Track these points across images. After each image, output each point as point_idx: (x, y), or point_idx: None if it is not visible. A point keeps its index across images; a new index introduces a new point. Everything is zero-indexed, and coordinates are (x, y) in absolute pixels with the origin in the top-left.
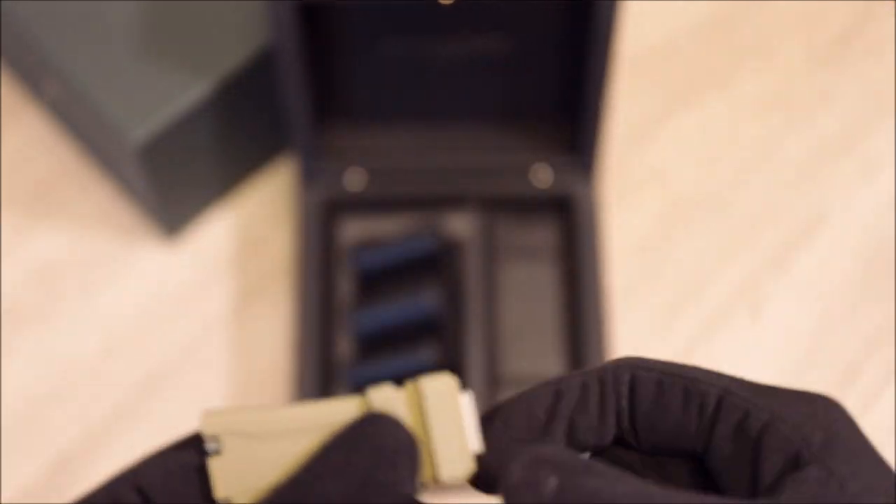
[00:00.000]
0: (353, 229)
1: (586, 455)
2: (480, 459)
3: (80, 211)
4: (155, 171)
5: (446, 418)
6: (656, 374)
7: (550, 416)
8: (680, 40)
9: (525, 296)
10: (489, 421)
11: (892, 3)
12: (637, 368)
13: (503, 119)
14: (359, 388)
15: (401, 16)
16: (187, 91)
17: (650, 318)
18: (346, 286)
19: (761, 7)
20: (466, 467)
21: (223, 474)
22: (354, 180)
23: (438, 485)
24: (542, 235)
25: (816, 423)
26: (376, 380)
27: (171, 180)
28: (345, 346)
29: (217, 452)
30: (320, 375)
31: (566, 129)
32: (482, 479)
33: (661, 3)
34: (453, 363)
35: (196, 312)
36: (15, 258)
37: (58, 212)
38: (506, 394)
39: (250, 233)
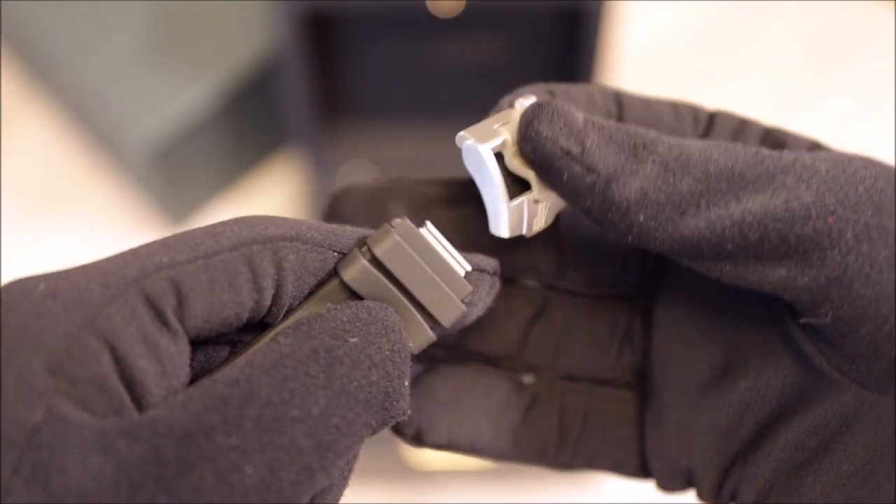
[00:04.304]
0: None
1: None
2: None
3: (86, 208)
4: (160, 168)
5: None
6: (640, 96)
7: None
8: (677, 42)
9: None
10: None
11: (892, 4)
12: (619, 90)
13: None
14: None
15: (402, 23)
16: (193, 90)
17: None
18: None
19: (759, 9)
20: (461, 302)
21: None
22: (360, 173)
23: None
24: None
25: (805, 138)
26: None
27: (177, 177)
28: None
29: None
30: None
31: None
32: None
33: (659, 6)
34: None
35: None
36: (21, 255)
37: (63, 209)
38: None
39: None
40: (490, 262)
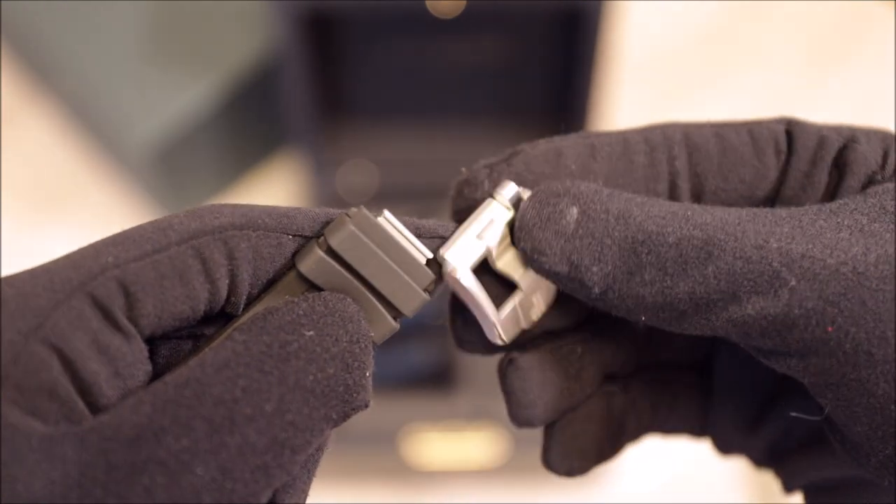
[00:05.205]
0: None
1: None
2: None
3: (86, 209)
4: (160, 168)
5: (378, 256)
6: (712, 128)
7: (582, 170)
8: (679, 44)
9: None
10: (507, 164)
11: (892, 4)
12: (688, 127)
13: (499, 117)
14: None
15: (402, 24)
16: (193, 90)
17: None
18: None
19: (759, 9)
20: (425, 288)
21: None
22: (360, 173)
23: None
24: None
25: (891, 144)
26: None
27: (177, 177)
28: None
29: None
30: None
31: (557, 125)
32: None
33: (661, 9)
34: (446, 363)
35: None
36: (21, 255)
37: (64, 209)
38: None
39: None
40: (449, 228)
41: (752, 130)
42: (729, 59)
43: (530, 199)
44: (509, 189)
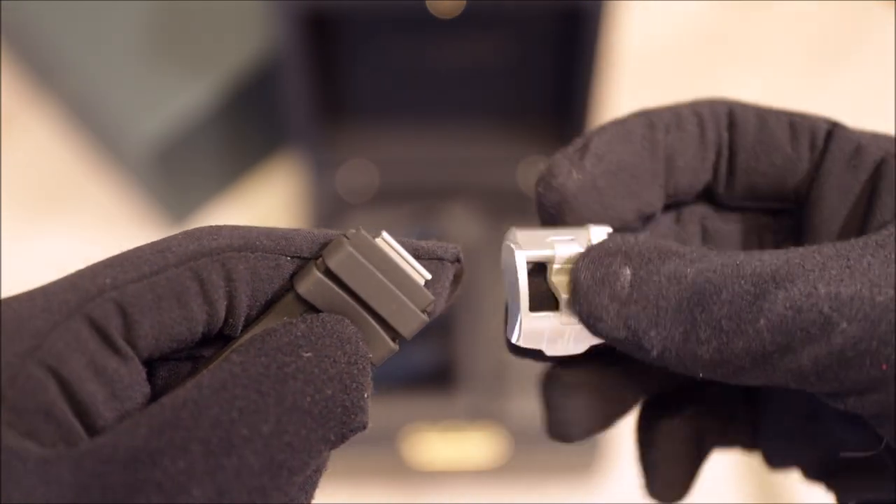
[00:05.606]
0: (357, 222)
1: (669, 215)
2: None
3: (86, 208)
4: (160, 168)
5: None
6: (756, 109)
7: (650, 146)
8: (680, 44)
9: None
10: (581, 155)
11: (892, 4)
12: (734, 104)
13: (499, 117)
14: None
15: (402, 23)
16: (193, 90)
17: None
18: None
19: (759, 8)
20: (422, 315)
21: None
22: (360, 173)
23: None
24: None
25: None
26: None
27: (177, 177)
28: None
29: None
30: None
31: (557, 125)
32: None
33: (661, 9)
34: (446, 363)
35: None
36: (21, 255)
37: (63, 209)
38: (505, 395)
39: None
40: (448, 249)
41: (792, 120)
42: (729, 59)
43: (583, 258)
44: (604, 229)
